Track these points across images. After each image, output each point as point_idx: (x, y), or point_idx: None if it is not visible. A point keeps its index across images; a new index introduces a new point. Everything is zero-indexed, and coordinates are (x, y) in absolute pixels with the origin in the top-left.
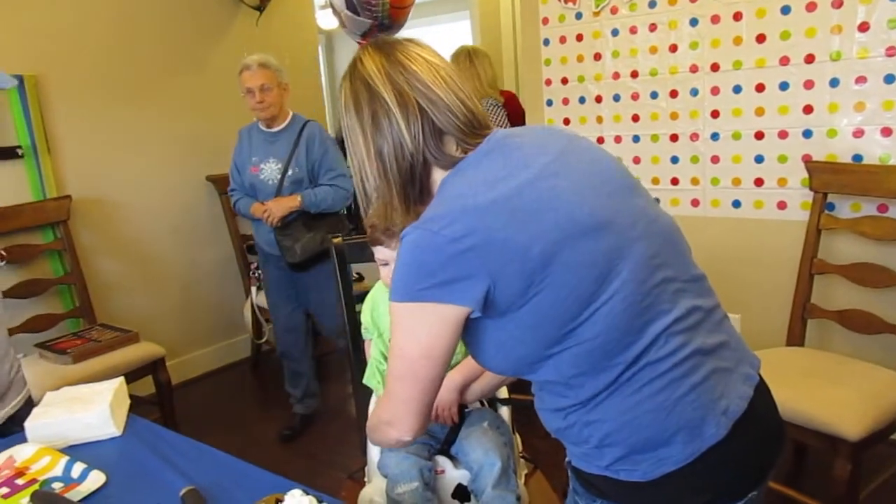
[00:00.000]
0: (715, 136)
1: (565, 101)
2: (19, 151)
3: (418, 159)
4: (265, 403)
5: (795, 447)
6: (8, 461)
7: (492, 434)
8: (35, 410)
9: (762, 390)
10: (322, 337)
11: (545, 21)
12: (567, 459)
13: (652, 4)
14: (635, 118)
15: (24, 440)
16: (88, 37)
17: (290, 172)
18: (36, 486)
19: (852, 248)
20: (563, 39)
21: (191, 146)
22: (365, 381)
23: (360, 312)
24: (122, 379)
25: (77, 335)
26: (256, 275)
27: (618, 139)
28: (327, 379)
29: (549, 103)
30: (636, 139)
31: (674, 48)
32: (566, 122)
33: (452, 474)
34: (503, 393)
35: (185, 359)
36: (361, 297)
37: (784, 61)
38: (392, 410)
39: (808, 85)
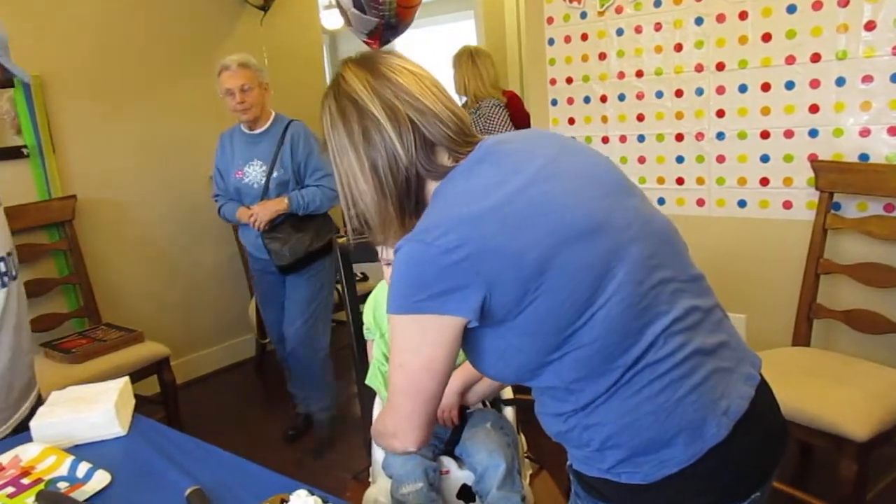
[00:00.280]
0: (720, 136)
1: (570, 101)
2: (24, 151)
3: (413, 172)
4: (270, 403)
5: (802, 448)
6: (13, 461)
7: (495, 435)
8: (40, 410)
9: (764, 390)
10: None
11: (550, 20)
12: (568, 463)
13: (657, 3)
14: (640, 118)
15: (29, 439)
16: (94, 37)
17: (275, 174)
18: (41, 486)
19: (858, 247)
20: (567, 39)
21: (196, 146)
22: (367, 381)
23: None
24: (126, 378)
25: (82, 335)
26: None
27: (623, 139)
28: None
29: (554, 103)
30: (641, 139)
31: (679, 47)
32: (571, 121)
33: (457, 475)
34: (507, 393)
35: (190, 358)
36: (364, 297)
37: (790, 60)
38: (396, 423)
39: (814, 84)
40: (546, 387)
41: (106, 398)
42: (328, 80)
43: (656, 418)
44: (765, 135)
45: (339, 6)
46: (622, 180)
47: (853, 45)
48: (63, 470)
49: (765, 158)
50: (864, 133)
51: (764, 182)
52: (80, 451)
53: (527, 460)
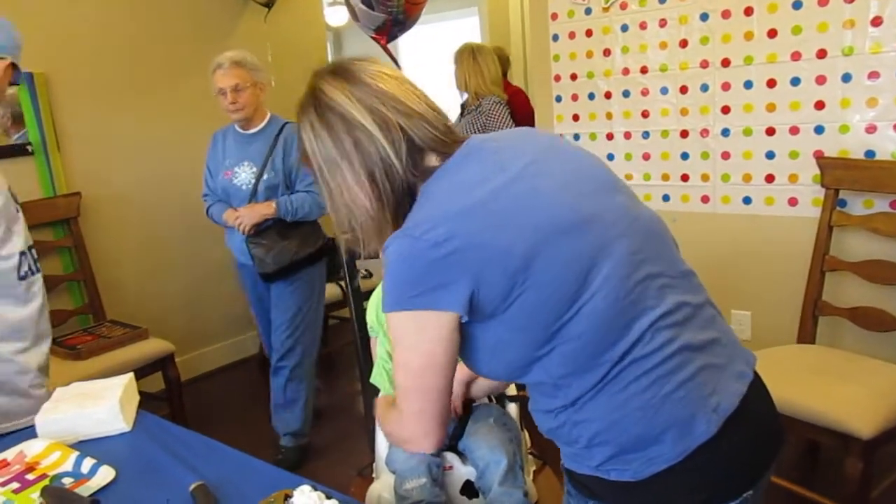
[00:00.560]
0: (725, 132)
1: (574, 98)
2: (29, 148)
3: (408, 176)
4: None
5: (807, 445)
6: (18, 456)
7: (497, 431)
8: (45, 406)
9: (757, 388)
10: (328, 335)
11: (554, 17)
12: (562, 461)
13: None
14: (645, 114)
15: (34, 435)
16: (98, 35)
17: (265, 177)
18: (46, 482)
19: (864, 244)
20: (572, 35)
21: (200, 143)
22: (372, 380)
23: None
24: (131, 375)
25: (87, 331)
26: None
27: (627, 135)
28: (336, 375)
29: (559, 99)
30: (646, 135)
31: (684, 43)
32: (575, 118)
33: (461, 470)
34: (511, 390)
35: (194, 355)
36: (368, 294)
37: (796, 56)
38: (408, 428)
39: (820, 80)
40: (536, 383)
41: (111, 394)
42: None
43: (644, 414)
44: (770, 131)
45: (347, 2)
46: (610, 177)
47: (859, 41)
48: (68, 465)
49: (770, 155)
50: (871, 129)
51: (769, 179)
52: (84, 446)
53: (530, 456)
